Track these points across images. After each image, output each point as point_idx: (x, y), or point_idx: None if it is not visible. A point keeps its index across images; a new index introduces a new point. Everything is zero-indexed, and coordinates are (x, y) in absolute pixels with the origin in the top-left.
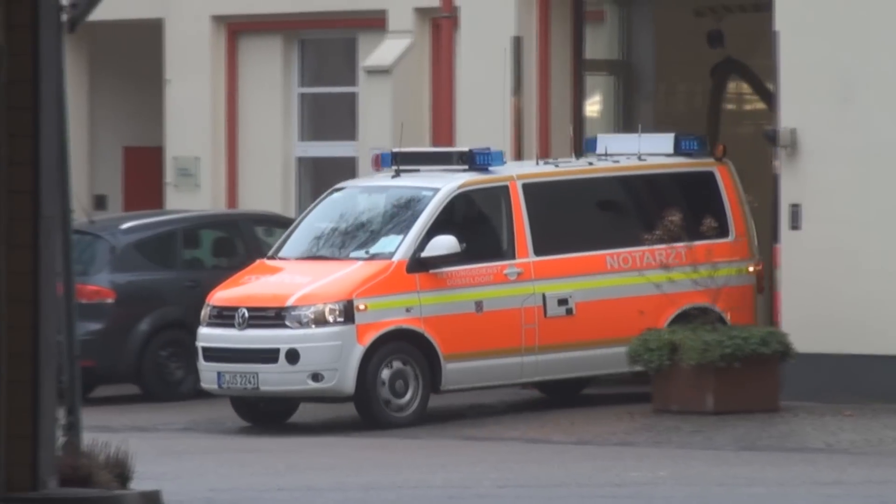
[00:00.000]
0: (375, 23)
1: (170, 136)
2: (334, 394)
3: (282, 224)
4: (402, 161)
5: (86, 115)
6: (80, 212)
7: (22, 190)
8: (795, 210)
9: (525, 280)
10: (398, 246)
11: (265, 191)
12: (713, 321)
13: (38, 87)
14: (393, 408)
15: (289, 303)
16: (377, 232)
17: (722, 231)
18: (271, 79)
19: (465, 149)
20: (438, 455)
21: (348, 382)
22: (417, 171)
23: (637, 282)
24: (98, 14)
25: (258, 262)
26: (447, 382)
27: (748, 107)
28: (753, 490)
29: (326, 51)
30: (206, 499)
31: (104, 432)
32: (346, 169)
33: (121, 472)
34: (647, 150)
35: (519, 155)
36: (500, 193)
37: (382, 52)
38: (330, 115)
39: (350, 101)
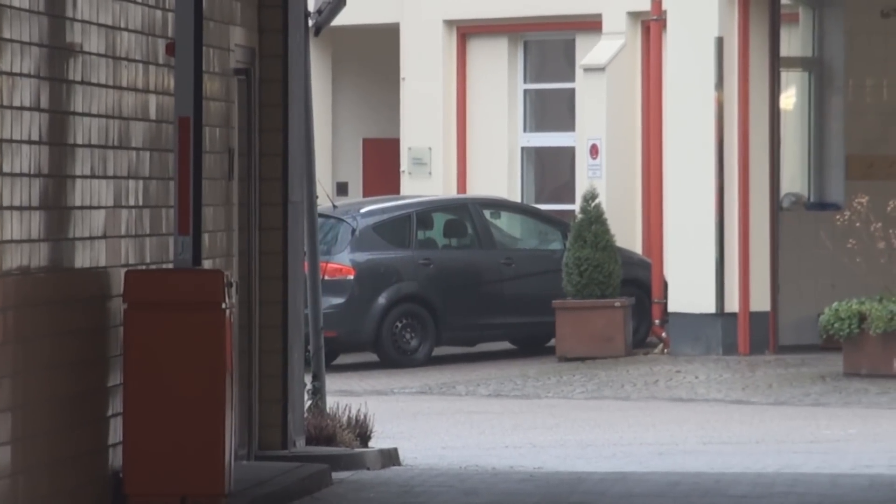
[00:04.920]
0: (592, 25)
1: (405, 129)
2: None
3: (507, 208)
4: None
5: (329, 111)
6: (324, 197)
7: (272, 178)
8: None
9: None
10: None
11: (492, 178)
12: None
13: (287, 86)
14: None
15: None
16: None
17: None
18: (498, 76)
19: None
20: (650, 415)
21: None
22: None
23: None
24: (340, 20)
25: None
26: None
27: None
28: None
29: (547, 50)
30: (439, 455)
31: (346, 396)
32: (565, 157)
33: (361, 432)
34: None
35: (720, 146)
36: None
37: (598, 51)
38: (551, 109)
39: (569, 97)
